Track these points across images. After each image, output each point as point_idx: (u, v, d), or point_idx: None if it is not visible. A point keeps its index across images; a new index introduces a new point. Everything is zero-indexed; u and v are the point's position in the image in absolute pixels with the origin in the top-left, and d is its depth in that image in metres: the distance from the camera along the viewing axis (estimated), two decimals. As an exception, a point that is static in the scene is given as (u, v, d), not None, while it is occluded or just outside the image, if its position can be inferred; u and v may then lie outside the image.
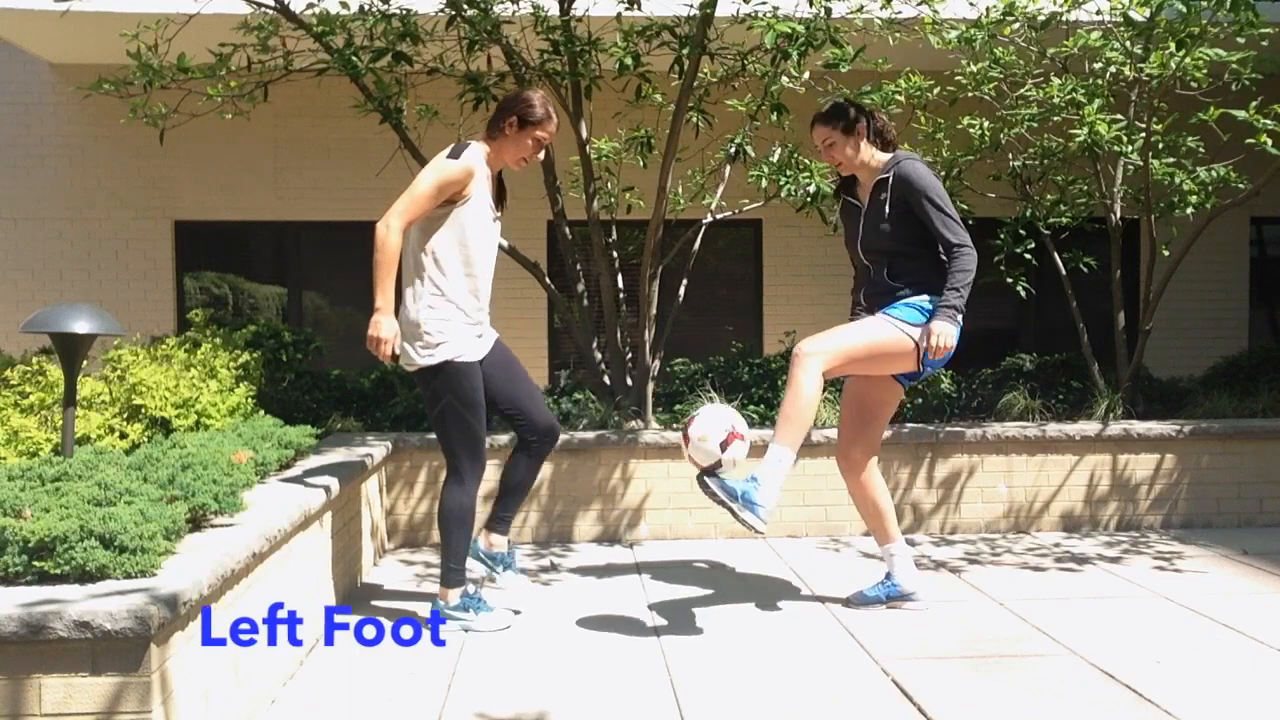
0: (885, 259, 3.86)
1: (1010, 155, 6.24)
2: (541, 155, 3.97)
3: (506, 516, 3.96)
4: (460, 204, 3.67)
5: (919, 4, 5.57)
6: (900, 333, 3.73)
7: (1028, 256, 6.19)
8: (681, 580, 4.47)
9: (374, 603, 4.14)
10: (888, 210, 3.82)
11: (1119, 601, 4.06)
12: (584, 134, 5.55)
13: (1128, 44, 5.44)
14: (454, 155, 3.66)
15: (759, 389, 5.87)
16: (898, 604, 3.99)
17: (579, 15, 5.43)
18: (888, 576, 4.01)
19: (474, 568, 3.97)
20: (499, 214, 3.87)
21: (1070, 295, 6.13)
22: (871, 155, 3.94)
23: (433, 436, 5.18)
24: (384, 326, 3.58)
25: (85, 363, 3.40)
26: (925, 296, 3.78)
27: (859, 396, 3.99)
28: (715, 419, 3.56)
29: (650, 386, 5.59)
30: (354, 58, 5.14)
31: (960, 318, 3.71)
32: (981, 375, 6.04)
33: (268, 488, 3.66)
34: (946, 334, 3.66)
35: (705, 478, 3.55)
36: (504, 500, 3.94)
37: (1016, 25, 5.69)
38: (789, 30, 4.77)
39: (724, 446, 3.51)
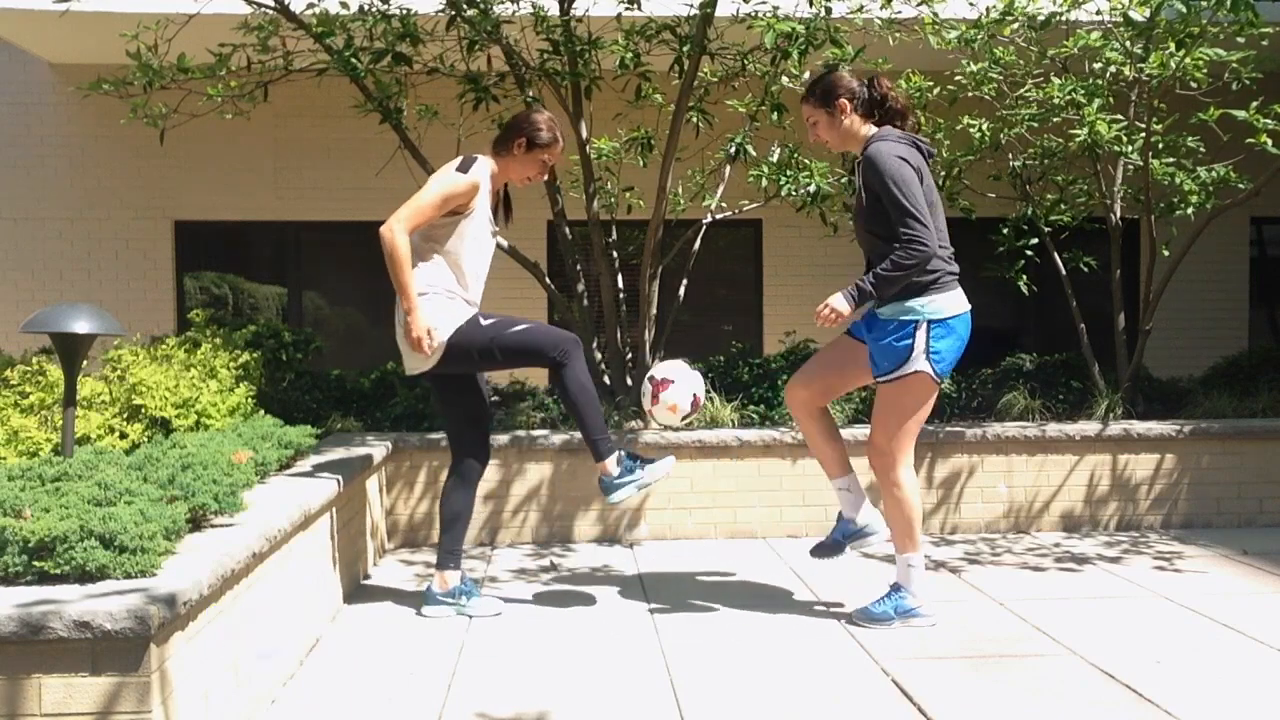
0: (866, 247, 3.72)
1: (1010, 155, 6.24)
2: (546, 176, 4.01)
3: (456, 550, 3.96)
4: (464, 216, 3.73)
5: (919, 4, 5.57)
6: (902, 381, 3.61)
7: (1029, 252, 6.18)
8: (681, 580, 4.47)
9: (374, 602, 4.14)
10: (860, 195, 3.66)
11: (1119, 601, 4.06)
12: (584, 134, 5.55)
13: (1128, 44, 5.44)
14: (463, 169, 3.70)
15: (759, 389, 5.87)
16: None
17: (579, 15, 5.43)
18: (840, 516, 3.88)
19: (439, 612, 3.92)
20: (498, 228, 3.93)
21: (1070, 295, 6.12)
22: (859, 131, 3.71)
23: (433, 436, 5.17)
24: (419, 323, 3.63)
25: (85, 363, 3.40)
26: (905, 304, 3.60)
27: (844, 360, 3.84)
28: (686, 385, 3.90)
29: (650, 386, 5.58)
30: (354, 59, 5.14)
31: (861, 300, 3.57)
32: (981, 375, 6.04)
33: (268, 488, 3.66)
34: (832, 303, 3.55)
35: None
36: (451, 534, 3.95)
37: (1016, 25, 5.69)
38: (789, 30, 4.77)
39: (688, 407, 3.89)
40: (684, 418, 3.90)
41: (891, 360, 3.62)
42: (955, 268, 3.66)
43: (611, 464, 3.78)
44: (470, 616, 3.91)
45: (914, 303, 3.58)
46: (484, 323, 3.75)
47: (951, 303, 3.62)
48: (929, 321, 3.58)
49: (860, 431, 5.18)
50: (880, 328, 3.67)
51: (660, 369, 3.93)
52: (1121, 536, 5.27)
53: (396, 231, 3.59)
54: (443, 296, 3.74)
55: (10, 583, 2.43)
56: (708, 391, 5.81)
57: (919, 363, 3.59)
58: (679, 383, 3.88)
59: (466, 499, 3.96)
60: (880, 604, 3.75)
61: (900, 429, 3.66)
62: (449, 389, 3.94)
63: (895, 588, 3.76)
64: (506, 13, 5.39)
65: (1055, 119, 5.81)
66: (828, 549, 3.96)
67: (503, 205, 4.06)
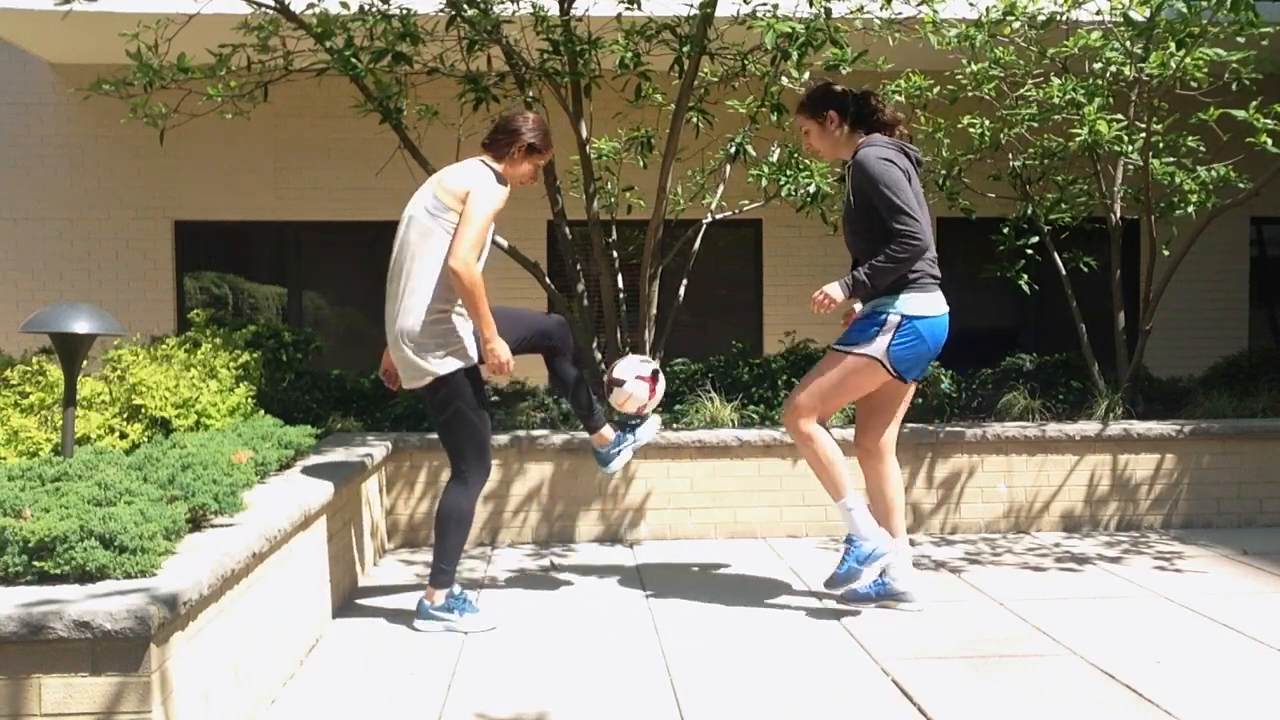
0: (855, 249, 3.86)
1: (1010, 155, 6.24)
2: (537, 179, 4.06)
3: (596, 404, 4.10)
4: None
5: (919, 4, 5.57)
6: (853, 357, 3.74)
7: (1029, 251, 6.18)
8: (681, 580, 4.47)
9: (374, 602, 4.14)
10: (850, 198, 3.79)
11: (1119, 601, 4.06)
12: (584, 134, 5.55)
13: (1128, 44, 5.44)
14: (501, 180, 3.76)
15: (759, 389, 5.87)
16: (889, 603, 3.95)
17: (579, 15, 5.43)
18: (883, 573, 3.96)
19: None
20: None
21: (1070, 295, 6.12)
22: (849, 141, 3.87)
23: (433, 436, 5.17)
24: (502, 353, 3.65)
25: (85, 363, 3.40)
26: (884, 299, 3.74)
27: (870, 395, 3.97)
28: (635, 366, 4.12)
29: (650, 386, 5.58)
30: (354, 59, 5.14)
31: (855, 289, 3.70)
32: (981, 375, 6.04)
33: (268, 488, 3.66)
34: (827, 290, 3.69)
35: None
36: (578, 397, 4.06)
37: (1016, 25, 5.69)
38: (789, 30, 4.76)
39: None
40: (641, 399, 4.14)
41: (855, 336, 3.75)
42: (937, 272, 3.79)
43: (440, 595, 3.79)
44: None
45: (896, 298, 3.72)
46: (472, 385, 3.72)
47: (925, 304, 3.73)
48: (902, 316, 3.70)
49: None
50: (862, 316, 3.81)
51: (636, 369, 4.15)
52: (1122, 536, 5.27)
53: (472, 264, 3.58)
54: (463, 323, 3.73)
55: (10, 583, 2.43)
56: (707, 392, 5.81)
57: (877, 351, 3.71)
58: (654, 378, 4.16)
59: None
60: (843, 565, 3.83)
61: (828, 399, 3.79)
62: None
63: (848, 540, 3.84)
64: (506, 13, 5.39)
65: (1055, 119, 5.81)
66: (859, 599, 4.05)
67: None
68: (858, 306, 3.91)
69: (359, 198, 8.77)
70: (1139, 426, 5.40)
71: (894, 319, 3.70)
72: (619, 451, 4.12)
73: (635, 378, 4.09)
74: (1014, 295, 8.90)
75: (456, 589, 3.81)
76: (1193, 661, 3.35)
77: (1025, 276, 6.17)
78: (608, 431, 4.12)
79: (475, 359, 3.74)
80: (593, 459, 5.22)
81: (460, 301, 3.70)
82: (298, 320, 8.85)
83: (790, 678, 3.24)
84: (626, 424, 4.13)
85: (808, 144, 3.97)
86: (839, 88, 3.91)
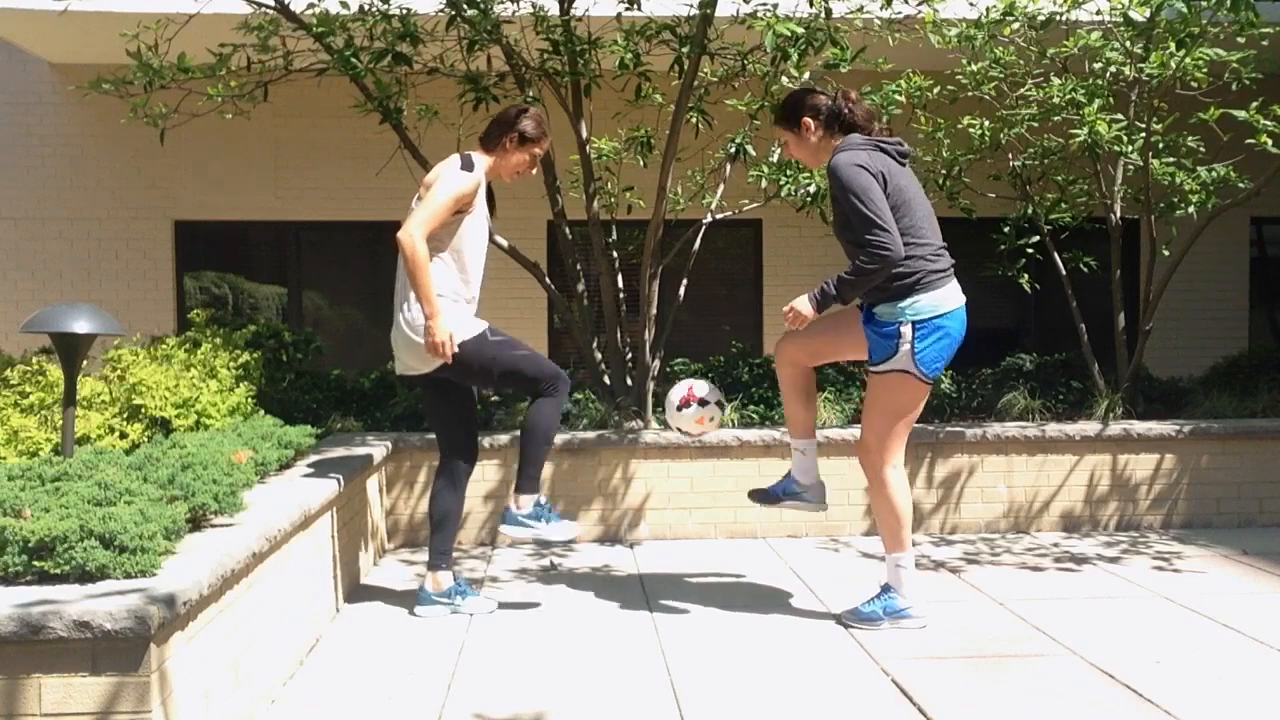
0: (847, 252, 3.69)
1: (1010, 155, 6.24)
2: (535, 170, 4.06)
3: (447, 550, 3.98)
4: (466, 214, 3.79)
5: (919, 4, 5.57)
6: (882, 375, 3.62)
7: (1030, 251, 6.18)
8: (681, 580, 4.47)
9: (374, 602, 4.14)
10: (832, 205, 3.69)
11: (1119, 601, 4.06)
12: (584, 134, 5.55)
13: (1128, 44, 5.44)
14: (467, 168, 3.76)
15: (759, 389, 5.87)
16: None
17: (579, 15, 5.43)
18: (789, 473, 4.01)
19: (432, 612, 3.94)
20: (491, 223, 3.98)
21: (1070, 295, 6.12)
22: (828, 146, 3.73)
23: (431, 436, 5.17)
24: (441, 328, 3.64)
25: (85, 363, 3.40)
26: (883, 308, 3.60)
27: (842, 328, 3.81)
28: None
29: (650, 386, 5.59)
30: (354, 59, 5.14)
31: (824, 303, 3.61)
32: (981, 375, 6.04)
33: (268, 488, 3.66)
34: (796, 305, 3.65)
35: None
36: (442, 534, 3.97)
37: (1016, 25, 5.69)
38: (789, 32, 4.76)
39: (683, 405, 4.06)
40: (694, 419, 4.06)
41: (879, 353, 3.64)
42: (941, 264, 3.61)
43: (526, 501, 3.87)
44: (468, 614, 3.92)
45: (901, 304, 3.57)
46: (492, 339, 3.80)
47: (938, 300, 3.57)
48: (913, 323, 3.56)
49: (854, 432, 5.17)
50: (874, 322, 3.67)
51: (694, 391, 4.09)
52: (1121, 536, 5.27)
53: (416, 238, 3.61)
54: (452, 302, 3.77)
55: (10, 583, 2.43)
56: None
57: (904, 363, 3.58)
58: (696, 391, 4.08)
59: (455, 499, 3.98)
60: (870, 604, 3.76)
61: (889, 429, 3.67)
62: (440, 391, 3.95)
63: (885, 588, 3.76)
64: (506, 13, 5.39)
65: (1055, 119, 5.81)
66: (764, 495, 4.09)
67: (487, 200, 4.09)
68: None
69: (359, 198, 8.77)
70: (1139, 426, 5.40)
71: (905, 327, 3.55)
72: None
73: (716, 402, 4.05)
74: (1014, 295, 8.90)
75: (542, 500, 3.93)
76: (1193, 661, 3.35)
77: (1025, 276, 6.17)
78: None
79: (477, 328, 3.79)
80: (593, 459, 5.22)
81: (454, 287, 3.77)
82: (298, 320, 8.85)
83: (790, 677, 3.24)
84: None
85: (788, 153, 3.90)
86: (812, 91, 3.80)
